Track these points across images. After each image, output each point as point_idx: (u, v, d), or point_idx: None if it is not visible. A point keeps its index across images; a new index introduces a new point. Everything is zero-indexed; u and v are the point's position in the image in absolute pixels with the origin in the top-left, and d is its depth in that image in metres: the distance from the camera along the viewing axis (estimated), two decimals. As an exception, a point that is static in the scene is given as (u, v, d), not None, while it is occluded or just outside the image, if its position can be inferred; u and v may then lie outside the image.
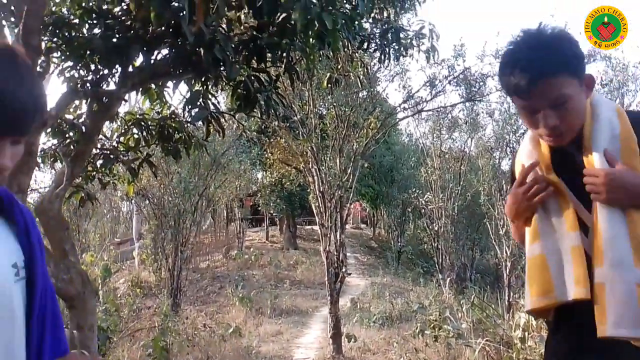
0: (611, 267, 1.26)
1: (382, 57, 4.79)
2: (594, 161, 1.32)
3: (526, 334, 4.97)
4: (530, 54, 1.32)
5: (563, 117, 1.32)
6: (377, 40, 4.76)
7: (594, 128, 1.34)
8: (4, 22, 3.06)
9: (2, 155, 0.90)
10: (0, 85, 0.86)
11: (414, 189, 17.27)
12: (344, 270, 8.06)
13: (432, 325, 6.90)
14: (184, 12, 2.15)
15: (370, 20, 4.80)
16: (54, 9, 3.30)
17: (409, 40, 4.90)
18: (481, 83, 10.93)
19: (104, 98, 3.19)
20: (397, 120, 12.64)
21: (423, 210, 16.09)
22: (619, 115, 1.35)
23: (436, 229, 15.29)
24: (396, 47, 4.73)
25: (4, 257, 0.94)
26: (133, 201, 14.24)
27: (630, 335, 1.23)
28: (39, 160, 3.85)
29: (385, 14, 4.83)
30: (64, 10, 3.38)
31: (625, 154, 1.30)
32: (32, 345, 0.98)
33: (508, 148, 13.04)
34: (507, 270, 11.64)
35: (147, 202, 11.86)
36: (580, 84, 1.33)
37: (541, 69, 1.30)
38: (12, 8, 2.90)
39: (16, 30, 2.91)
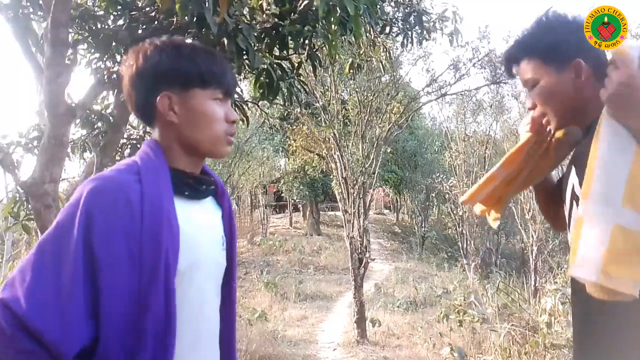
0: (595, 201, 1.12)
1: (405, 41, 4.74)
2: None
3: (552, 318, 4.93)
4: (516, 38, 1.43)
5: (538, 100, 1.36)
6: (400, 24, 4.71)
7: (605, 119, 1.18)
8: (33, 17, 3.14)
9: (233, 113, 1.20)
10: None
11: (437, 174, 17.12)
12: (367, 255, 8.09)
13: (456, 310, 6.89)
14: (208, 3, 2.17)
15: (393, 4, 4.76)
16: (79, 1, 3.36)
17: (432, 24, 4.85)
18: (506, 65, 10.72)
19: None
20: (421, 104, 12.51)
21: (447, 195, 15.95)
22: None
23: (460, 213, 15.16)
24: (419, 31, 4.68)
25: (218, 227, 1.25)
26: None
27: (587, 278, 1.09)
28: (69, 150, 3.95)
29: (407, -3, 4.77)
30: (90, 2, 3.44)
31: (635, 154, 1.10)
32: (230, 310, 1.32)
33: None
34: (533, 254, 11.50)
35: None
36: (558, 70, 1.30)
37: (513, 53, 1.40)
38: (40, 2, 2.96)
39: (44, 24, 2.98)
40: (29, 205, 3.20)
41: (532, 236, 11.67)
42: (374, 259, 11.19)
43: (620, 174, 1.10)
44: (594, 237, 1.09)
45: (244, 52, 2.67)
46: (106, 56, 3.22)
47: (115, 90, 3.35)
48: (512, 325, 5.47)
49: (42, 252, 1.02)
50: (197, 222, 1.16)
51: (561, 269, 7.24)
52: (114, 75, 3.29)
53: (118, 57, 3.26)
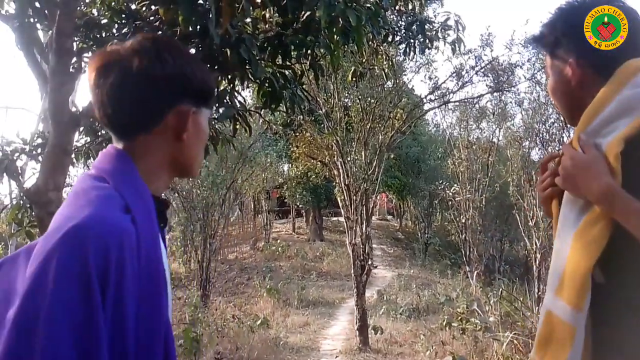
0: (547, 288, 1.23)
1: (408, 49, 4.76)
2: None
3: (555, 328, 4.91)
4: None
5: (550, 95, 1.36)
6: (402, 32, 4.73)
7: (598, 117, 1.17)
8: (38, 26, 3.17)
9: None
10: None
11: (441, 180, 17.09)
12: (370, 262, 8.08)
13: (459, 317, 6.88)
14: (211, 15, 2.19)
15: (395, 13, 4.78)
16: (84, 10, 3.40)
17: (434, 32, 4.86)
18: (509, 73, 10.73)
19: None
20: (424, 112, 12.52)
21: (450, 202, 15.93)
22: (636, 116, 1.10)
23: (463, 221, 15.12)
24: (421, 40, 4.69)
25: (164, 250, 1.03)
26: (163, 195, 14.53)
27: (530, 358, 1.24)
28: (73, 157, 3.98)
29: (410, 6, 4.80)
30: (94, 11, 3.47)
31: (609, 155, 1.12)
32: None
33: (538, 138, 12.78)
34: (537, 262, 11.45)
35: (176, 195, 12.09)
36: (560, 66, 1.27)
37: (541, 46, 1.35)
38: (46, 12, 2.99)
39: (49, 33, 3.01)
40: (33, 212, 3.22)
41: (536, 243, 11.63)
42: (376, 266, 11.17)
43: (559, 265, 1.17)
44: (539, 321, 1.21)
45: (247, 62, 2.69)
46: (110, 65, 3.24)
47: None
48: (515, 333, 5.45)
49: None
50: (164, 257, 1.00)
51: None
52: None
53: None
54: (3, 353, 0.76)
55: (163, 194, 1.09)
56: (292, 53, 3.10)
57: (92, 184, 0.92)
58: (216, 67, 2.81)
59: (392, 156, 12.75)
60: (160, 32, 2.95)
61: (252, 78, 2.96)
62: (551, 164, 1.34)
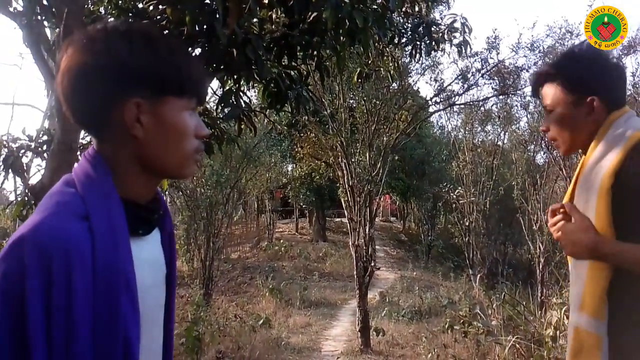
0: (570, 308, 1.44)
1: (414, 51, 4.74)
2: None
3: (558, 332, 4.89)
4: (548, 62, 1.59)
5: (552, 126, 1.46)
6: (409, 34, 4.71)
7: (588, 162, 1.39)
8: (45, 23, 3.18)
9: (203, 127, 0.97)
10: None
11: (445, 183, 17.07)
12: (373, 264, 8.07)
13: (461, 321, 6.85)
14: (218, 15, 2.19)
15: (402, 15, 4.77)
16: (92, 8, 3.41)
17: (440, 35, 4.83)
18: (515, 76, 10.71)
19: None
20: (429, 114, 12.51)
21: (454, 205, 15.90)
22: (624, 146, 1.30)
23: (467, 223, 15.10)
24: (427, 42, 4.67)
25: (160, 258, 1.02)
26: (167, 193, 14.58)
27: None
28: (78, 155, 3.99)
29: (416, 8, 4.78)
30: (102, 9, 3.49)
31: (598, 200, 1.32)
32: (169, 334, 1.07)
33: (543, 141, 12.75)
34: (540, 266, 11.44)
35: (180, 194, 12.12)
36: (575, 102, 1.40)
37: (542, 75, 1.49)
38: (54, 10, 3.01)
39: (57, 31, 3.02)
40: (37, 209, 3.23)
41: (539, 247, 11.61)
42: (379, 268, 11.16)
43: (579, 287, 1.38)
44: (569, 339, 1.43)
45: (253, 63, 2.69)
46: (117, 63, 3.25)
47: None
48: (517, 337, 5.42)
49: None
50: (147, 264, 0.95)
51: (567, 282, 7.17)
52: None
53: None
54: None
55: (169, 197, 1.06)
56: (298, 54, 3.10)
57: (59, 189, 0.89)
58: (222, 67, 2.82)
59: (396, 158, 12.75)
60: (167, 32, 2.96)
61: (257, 78, 2.96)
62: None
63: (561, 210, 1.41)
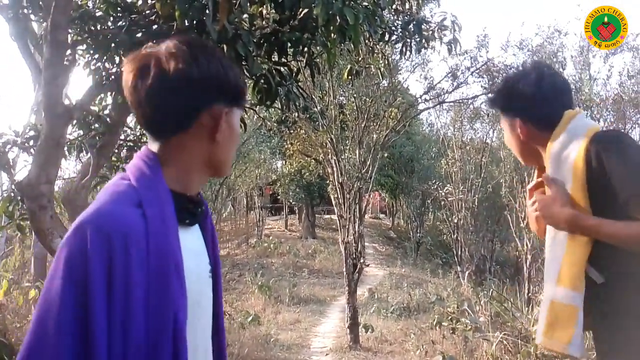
0: (545, 283, 1.49)
1: (404, 49, 4.75)
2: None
3: (545, 329, 4.94)
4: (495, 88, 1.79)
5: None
6: (399, 32, 4.72)
7: (551, 151, 1.49)
8: (32, 17, 3.14)
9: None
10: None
11: (434, 180, 17.15)
12: (362, 261, 8.09)
13: (449, 317, 6.90)
14: (208, 10, 2.18)
15: (392, 12, 4.77)
16: (80, 2, 3.36)
17: (430, 32, 4.84)
18: (504, 74, 10.77)
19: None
20: (418, 112, 12.55)
21: (443, 202, 15.98)
22: (583, 142, 1.42)
23: (455, 220, 15.18)
24: (418, 39, 4.68)
25: (205, 253, 1.11)
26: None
27: (540, 343, 1.47)
28: (65, 150, 3.95)
29: (407, 6, 4.78)
30: (90, 3, 3.44)
31: (573, 184, 1.41)
32: (219, 333, 1.17)
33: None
34: (528, 263, 11.53)
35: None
36: (509, 123, 1.58)
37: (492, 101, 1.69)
38: (40, 3, 2.97)
39: (44, 25, 2.98)
40: (24, 205, 3.19)
41: (527, 245, 11.69)
42: (368, 265, 11.19)
43: (556, 261, 1.44)
44: (543, 311, 1.48)
45: (243, 58, 2.68)
46: (105, 58, 3.22)
47: (114, 92, 3.34)
48: (505, 334, 5.47)
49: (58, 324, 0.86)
50: (192, 253, 1.03)
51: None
52: (113, 77, 3.29)
53: (117, 59, 3.27)
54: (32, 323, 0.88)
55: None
56: (289, 50, 3.09)
57: (116, 181, 1.00)
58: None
59: (385, 155, 12.77)
60: (156, 27, 2.93)
61: (247, 74, 2.95)
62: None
63: (539, 188, 1.52)
